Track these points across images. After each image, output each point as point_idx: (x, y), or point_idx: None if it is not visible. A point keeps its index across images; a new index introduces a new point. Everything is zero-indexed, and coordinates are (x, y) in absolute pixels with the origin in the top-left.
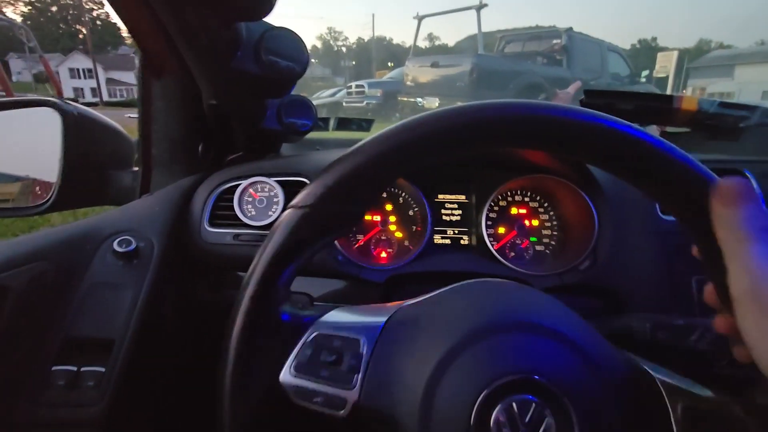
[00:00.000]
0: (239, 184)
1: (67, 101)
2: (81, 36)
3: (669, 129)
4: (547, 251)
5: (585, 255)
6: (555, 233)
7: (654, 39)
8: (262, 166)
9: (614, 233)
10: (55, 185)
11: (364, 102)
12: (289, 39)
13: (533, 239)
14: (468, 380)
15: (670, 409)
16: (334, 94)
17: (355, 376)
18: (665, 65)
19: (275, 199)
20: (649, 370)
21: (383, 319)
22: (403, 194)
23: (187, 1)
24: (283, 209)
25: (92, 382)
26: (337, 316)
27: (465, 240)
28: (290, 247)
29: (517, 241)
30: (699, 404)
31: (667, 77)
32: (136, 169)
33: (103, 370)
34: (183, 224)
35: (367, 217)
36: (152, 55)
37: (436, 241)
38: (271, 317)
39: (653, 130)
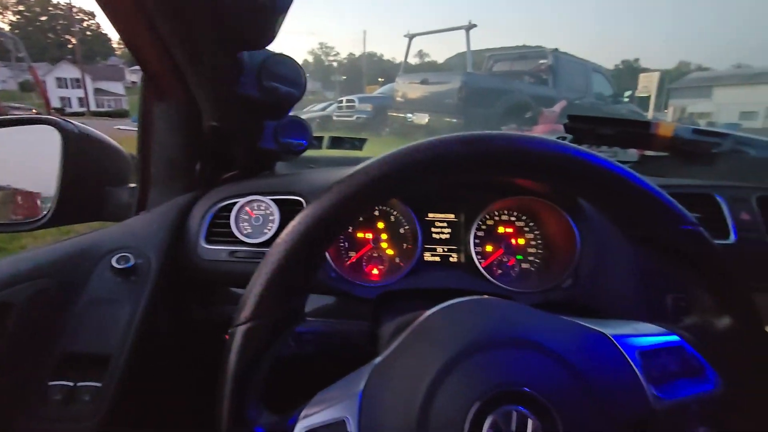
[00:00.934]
0: (236, 202)
1: (67, 120)
2: (69, 46)
3: (648, 153)
4: (533, 269)
5: (567, 274)
6: (540, 251)
7: (636, 60)
8: (258, 185)
9: (595, 253)
10: (53, 201)
11: (354, 116)
12: (288, 65)
13: (519, 257)
14: (460, 394)
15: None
16: (324, 108)
17: None
18: (647, 85)
19: (271, 217)
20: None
21: (360, 385)
22: (395, 213)
23: (194, 30)
24: (279, 229)
25: (88, 396)
26: (317, 404)
27: (454, 257)
28: (245, 365)
29: (504, 259)
30: None
31: (649, 97)
32: (134, 185)
33: (99, 385)
34: (179, 241)
35: (360, 235)
36: (156, 78)
37: (426, 258)
38: None
39: (632, 154)
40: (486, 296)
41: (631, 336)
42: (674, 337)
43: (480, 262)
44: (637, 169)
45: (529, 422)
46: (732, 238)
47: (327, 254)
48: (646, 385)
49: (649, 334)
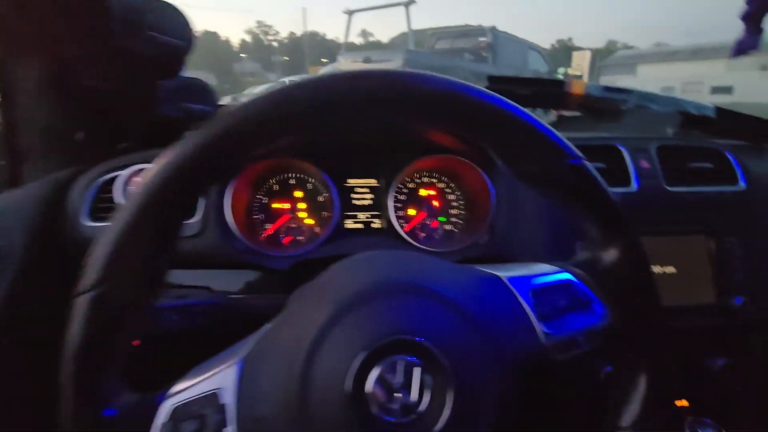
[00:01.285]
0: (121, 174)
1: None
2: None
3: (565, 113)
4: (456, 230)
5: (484, 230)
6: (462, 212)
7: (570, 39)
8: (153, 155)
9: (509, 208)
10: None
11: None
12: (170, 14)
13: (442, 219)
14: (343, 347)
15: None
16: None
17: (225, 429)
18: (580, 63)
19: None
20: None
21: (242, 353)
22: (312, 180)
23: None
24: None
25: None
26: (191, 377)
27: (377, 223)
28: (92, 339)
29: (427, 222)
30: None
31: (581, 75)
32: (2, 163)
33: None
34: (58, 219)
35: (276, 205)
36: (15, 31)
37: (348, 226)
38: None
39: (552, 115)
40: (384, 250)
41: (525, 277)
42: (564, 275)
43: (403, 227)
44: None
45: (416, 371)
46: (633, 186)
47: (234, 225)
48: (537, 323)
49: (541, 274)
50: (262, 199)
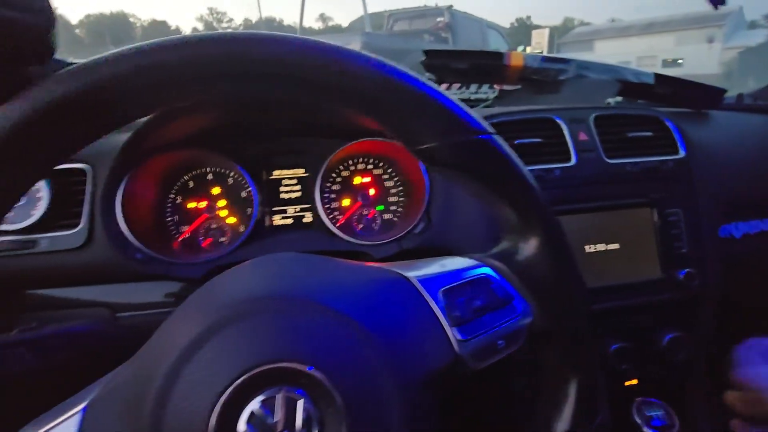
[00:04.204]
0: None
1: None
2: None
3: (506, 87)
4: (395, 218)
5: (419, 217)
6: (401, 199)
7: (528, 17)
8: None
9: (444, 193)
10: None
11: None
12: None
13: (380, 208)
14: (203, 385)
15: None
16: None
17: None
18: (539, 41)
19: (38, 194)
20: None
21: (85, 400)
22: (233, 174)
23: None
24: (49, 208)
25: None
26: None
27: (308, 217)
28: None
29: (363, 212)
30: None
31: (541, 52)
32: None
33: None
34: None
35: (191, 205)
36: None
37: (275, 222)
38: None
39: (492, 90)
40: (277, 254)
41: (437, 276)
42: (483, 269)
43: (338, 219)
44: (495, 105)
45: (300, 404)
46: (573, 159)
47: (128, 232)
48: (449, 329)
49: (456, 270)
50: (175, 199)
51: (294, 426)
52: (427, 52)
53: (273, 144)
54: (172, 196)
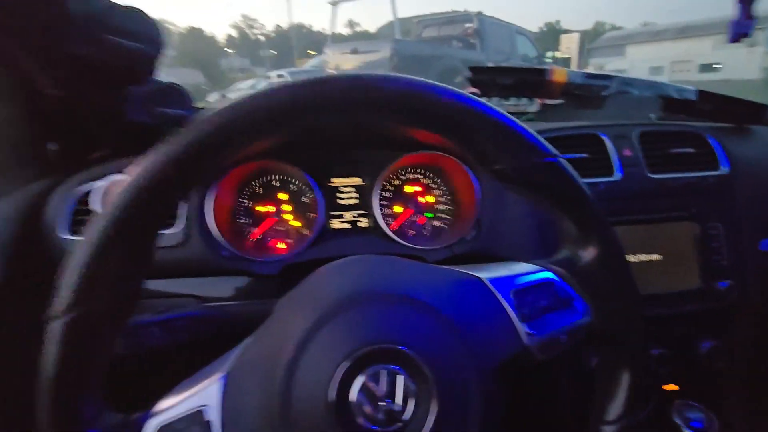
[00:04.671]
0: (96, 185)
1: None
2: None
3: (548, 102)
4: (444, 226)
5: (471, 226)
6: (449, 207)
7: (558, 22)
8: (130, 163)
9: (494, 203)
10: None
11: None
12: (133, 17)
13: (429, 215)
14: (324, 358)
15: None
16: (253, 86)
17: None
18: (569, 46)
19: None
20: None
21: (225, 367)
22: (296, 181)
23: None
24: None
25: None
26: (174, 395)
27: (363, 223)
28: (68, 363)
29: (414, 219)
30: None
31: (570, 58)
32: None
33: None
34: (33, 235)
35: (260, 208)
36: None
37: (334, 226)
38: None
39: (535, 104)
40: (364, 255)
41: (506, 278)
42: (546, 273)
43: (389, 225)
44: (538, 119)
45: (399, 379)
46: (617, 175)
47: (217, 232)
48: (519, 324)
49: (522, 273)
50: (246, 203)
51: (395, 396)
52: (472, 69)
53: (331, 155)
54: (243, 200)
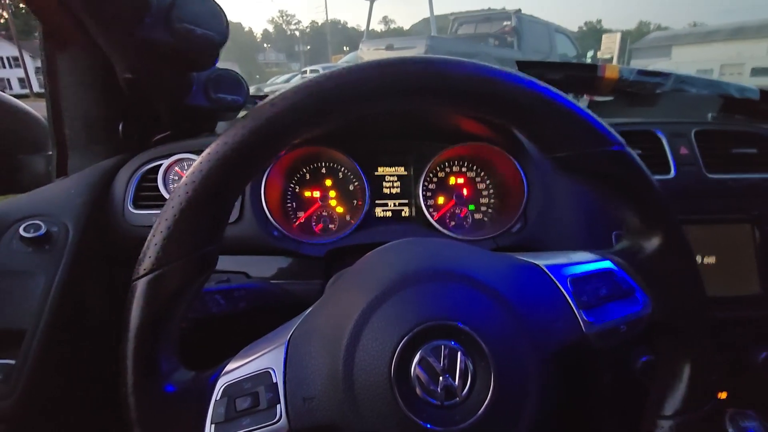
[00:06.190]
0: (163, 163)
1: None
2: (2, 20)
3: (597, 98)
4: (485, 218)
5: (516, 218)
6: (492, 200)
7: (599, 21)
8: (190, 145)
9: (542, 195)
10: None
11: None
12: (204, 5)
13: (471, 207)
14: (387, 331)
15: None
16: (288, 80)
17: (277, 407)
18: (610, 46)
19: None
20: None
21: (287, 335)
22: (343, 169)
23: None
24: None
25: (1, 375)
26: (242, 357)
27: (406, 212)
28: (150, 320)
29: (456, 210)
30: None
31: (611, 58)
32: (51, 153)
33: (13, 362)
34: (105, 207)
35: (307, 194)
36: (54, 25)
37: (377, 214)
38: (155, 397)
39: (584, 101)
40: (424, 238)
41: (564, 265)
42: (605, 263)
43: (432, 215)
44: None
45: (459, 355)
46: (672, 172)
47: (269, 212)
48: (577, 311)
49: (581, 262)
50: (294, 188)
51: (454, 371)
52: (519, 64)
53: (377, 144)
54: (292, 185)
